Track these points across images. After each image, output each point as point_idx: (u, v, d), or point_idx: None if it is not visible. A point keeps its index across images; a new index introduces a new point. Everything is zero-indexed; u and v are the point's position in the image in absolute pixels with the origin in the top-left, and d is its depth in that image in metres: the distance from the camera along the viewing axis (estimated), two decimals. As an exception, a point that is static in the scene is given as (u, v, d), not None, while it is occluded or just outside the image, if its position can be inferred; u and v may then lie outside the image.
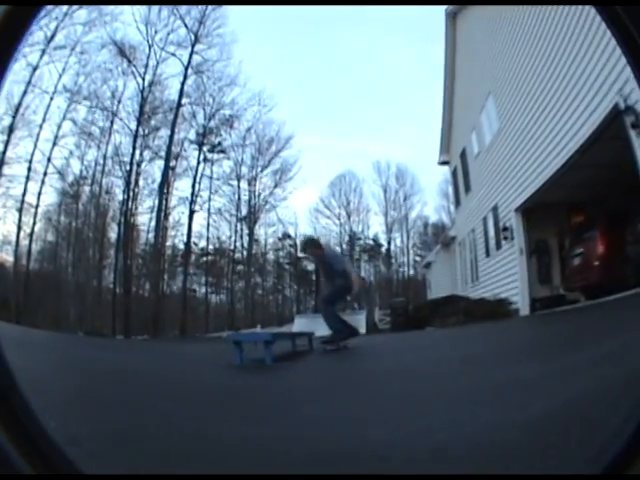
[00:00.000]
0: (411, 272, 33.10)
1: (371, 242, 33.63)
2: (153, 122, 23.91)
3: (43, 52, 21.09)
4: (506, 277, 12.69)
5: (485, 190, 14.52)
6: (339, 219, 32.34)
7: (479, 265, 15.35)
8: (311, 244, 7.79)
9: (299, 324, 15.49)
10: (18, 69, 19.82)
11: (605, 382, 1.85)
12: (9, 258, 22.03)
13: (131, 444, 1.75)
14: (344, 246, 32.79)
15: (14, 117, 20.51)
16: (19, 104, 20.58)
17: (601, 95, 7.51)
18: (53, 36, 21.18)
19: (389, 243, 32.83)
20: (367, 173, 44.29)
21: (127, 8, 22.74)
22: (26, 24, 0.75)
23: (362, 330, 16.77)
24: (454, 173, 18.72)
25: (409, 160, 49.68)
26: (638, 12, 0.72)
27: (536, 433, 1.55)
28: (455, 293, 16.22)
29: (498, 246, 13.32)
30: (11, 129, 20.44)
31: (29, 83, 20.82)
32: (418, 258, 31.90)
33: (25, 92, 20.79)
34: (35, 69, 21.01)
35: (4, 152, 20.34)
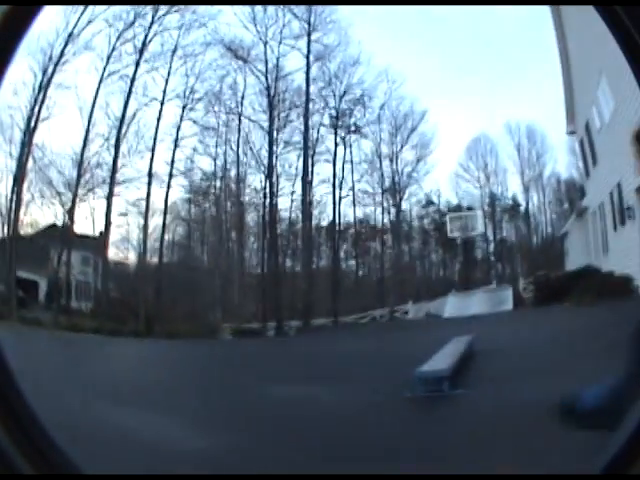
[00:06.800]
0: (549, 230, 32.51)
1: (510, 202, 33.57)
2: (283, 114, 24.11)
3: (137, 63, 20.73)
4: (631, 254, 13.01)
5: (609, 166, 14.56)
6: (478, 182, 32.72)
7: (608, 239, 15.48)
8: None
9: (453, 305, 15.67)
10: (111, 82, 20.20)
11: None
12: (131, 260, 21.78)
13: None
14: (486, 208, 33.17)
15: (120, 128, 20.33)
16: (123, 115, 20.40)
17: None
18: (144, 44, 20.76)
19: (527, 202, 32.58)
20: (499, 135, 42.74)
21: (227, 8, 21.90)
22: (26, 24, 0.78)
23: (509, 306, 16.79)
24: (581, 144, 18.42)
25: (536, 120, 46.01)
26: (638, 12, 0.76)
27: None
28: (590, 264, 16.31)
29: (622, 223, 13.59)
30: (118, 138, 20.23)
31: (129, 93, 20.57)
32: (554, 216, 31.11)
33: (127, 103, 20.57)
34: (133, 81, 20.71)
35: (115, 160, 20.18)
